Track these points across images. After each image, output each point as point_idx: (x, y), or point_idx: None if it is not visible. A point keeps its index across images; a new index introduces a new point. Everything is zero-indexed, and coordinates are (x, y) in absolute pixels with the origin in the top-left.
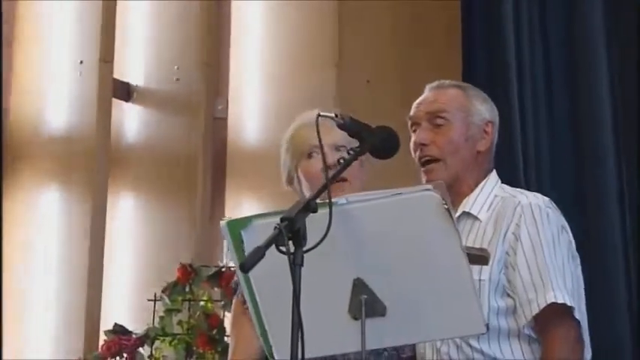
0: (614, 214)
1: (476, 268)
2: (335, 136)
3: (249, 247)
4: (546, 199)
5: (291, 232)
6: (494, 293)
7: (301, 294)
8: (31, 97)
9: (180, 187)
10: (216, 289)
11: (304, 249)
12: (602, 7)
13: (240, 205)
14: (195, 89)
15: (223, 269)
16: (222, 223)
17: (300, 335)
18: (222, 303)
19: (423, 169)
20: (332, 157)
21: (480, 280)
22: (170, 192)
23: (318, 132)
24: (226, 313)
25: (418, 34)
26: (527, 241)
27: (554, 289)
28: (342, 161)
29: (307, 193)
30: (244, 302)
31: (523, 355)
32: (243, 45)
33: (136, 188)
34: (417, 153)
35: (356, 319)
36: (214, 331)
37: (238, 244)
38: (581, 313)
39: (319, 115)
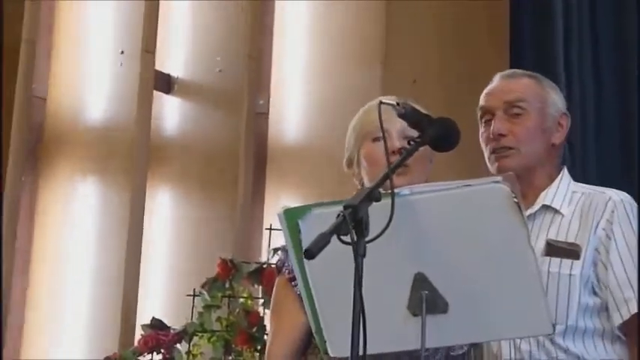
0: None
1: (566, 263)
2: (403, 123)
3: (306, 237)
4: (628, 195)
5: (354, 221)
6: (584, 290)
7: (364, 288)
8: (71, 87)
9: (220, 182)
10: (256, 285)
11: (366, 239)
12: None
13: (280, 202)
14: (237, 82)
15: (264, 266)
16: (280, 211)
17: (362, 329)
18: (263, 300)
19: (494, 155)
20: (399, 143)
21: (570, 275)
22: (209, 187)
23: (381, 118)
24: (266, 311)
25: (463, 34)
26: (621, 238)
27: None
28: (403, 151)
29: (365, 178)
30: (291, 280)
31: (607, 354)
32: (287, 38)
33: (175, 182)
34: (492, 144)
35: (415, 315)
36: (254, 329)
37: (295, 233)
38: None
39: (381, 103)
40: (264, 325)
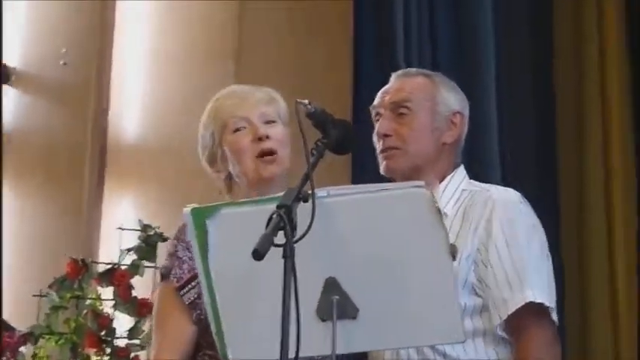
0: None
1: None
2: (263, 108)
3: (214, 237)
4: (518, 194)
5: (289, 221)
6: (462, 291)
7: (269, 291)
8: None
9: (63, 178)
10: (106, 287)
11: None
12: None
13: (120, 200)
14: (80, 76)
15: (116, 267)
16: (186, 210)
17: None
18: (114, 302)
19: (381, 155)
20: (263, 130)
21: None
22: (51, 183)
23: (300, 121)
24: (117, 314)
25: (315, 27)
26: (501, 237)
27: (531, 287)
28: (314, 152)
29: (236, 169)
30: (180, 289)
31: (487, 355)
32: (130, 34)
33: (16, 178)
34: (379, 144)
35: (324, 320)
36: (103, 332)
37: (202, 233)
38: (555, 315)
39: (297, 102)
40: (114, 328)
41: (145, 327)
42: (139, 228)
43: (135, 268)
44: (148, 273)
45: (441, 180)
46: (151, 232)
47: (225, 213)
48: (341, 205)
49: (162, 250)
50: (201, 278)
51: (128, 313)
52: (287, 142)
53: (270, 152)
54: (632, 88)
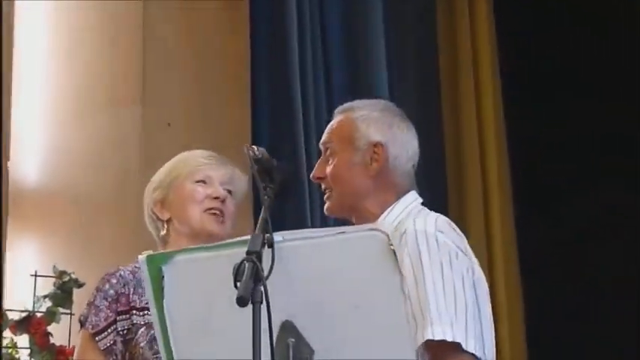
0: None
1: None
2: (230, 174)
3: (170, 283)
4: (442, 221)
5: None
6: None
7: (224, 336)
8: None
9: None
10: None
11: None
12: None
13: (25, 249)
14: None
15: (31, 314)
16: (142, 257)
17: None
18: (30, 350)
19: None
20: (223, 193)
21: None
22: None
23: (252, 165)
24: None
25: (209, 73)
26: (410, 271)
27: (432, 323)
28: (265, 200)
29: (179, 216)
30: (95, 335)
31: None
32: (25, 80)
33: None
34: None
35: None
36: None
37: (157, 279)
38: (481, 343)
39: (246, 147)
40: None
41: None
42: (52, 274)
43: (51, 315)
44: (64, 320)
45: (383, 211)
46: (66, 279)
47: (179, 259)
48: (297, 249)
49: (78, 296)
50: (155, 324)
51: None
52: (234, 216)
53: (220, 213)
54: None
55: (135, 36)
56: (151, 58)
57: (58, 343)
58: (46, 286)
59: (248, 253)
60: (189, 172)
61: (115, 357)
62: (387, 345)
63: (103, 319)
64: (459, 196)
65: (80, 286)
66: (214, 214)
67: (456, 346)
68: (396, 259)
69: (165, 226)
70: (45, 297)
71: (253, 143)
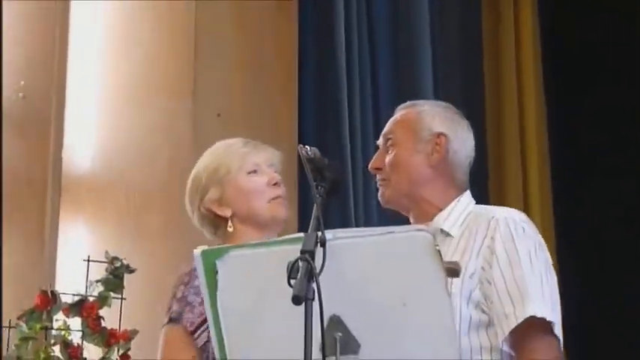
0: None
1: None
2: (271, 154)
3: (223, 278)
4: (522, 214)
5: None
6: (468, 304)
7: (276, 331)
8: None
9: (22, 211)
10: (74, 318)
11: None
12: None
13: (77, 233)
14: (39, 108)
15: (84, 299)
16: (197, 252)
17: None
18: (82, 333)
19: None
20: (277, 177)
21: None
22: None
23: (305, 164)
24: (85, 344)
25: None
26: (503, 254)
27: (533, 301)
28: (317, 194)
29: (243, 209)
30: (193, 332)
31: None
32: (85, 66)
33: None
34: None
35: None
36: None
37: (211, 274)
38: (559, 330)
39: (300, 147)
40: (85, 358)
41: (114, 357)
42: (104, 260)
43: (103, 300)
44: (115, 304)
45: (442, 204)
46: (118, 264)
47: (233, 255)
48: (347, 246)
49: (129, 281)
50: (209, 318)
51: (97, 344)
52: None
53: (283, 196)
54: None
55: (188, 32)
56: (203, 52)
57: (109, 327)
58: (98, 271)
59: (302, 252)
60: (239, 165)
61: (208, 353)
62: (431, 343)
63: (197, 316)
64: (499, 199)
65: (132, 271)
66: (278, 200)
67: (546, 327)
68: (441, 259)
69: (230, 222)
70: (97, 282)
71: (300, 136)
